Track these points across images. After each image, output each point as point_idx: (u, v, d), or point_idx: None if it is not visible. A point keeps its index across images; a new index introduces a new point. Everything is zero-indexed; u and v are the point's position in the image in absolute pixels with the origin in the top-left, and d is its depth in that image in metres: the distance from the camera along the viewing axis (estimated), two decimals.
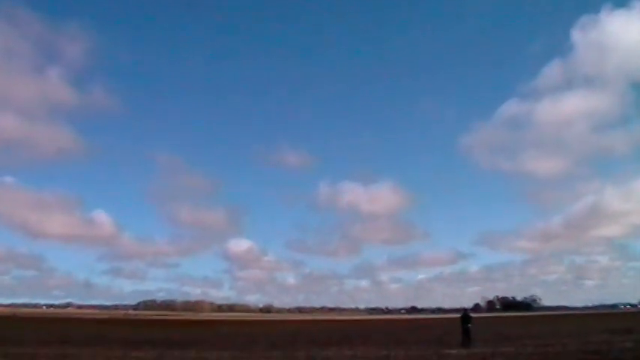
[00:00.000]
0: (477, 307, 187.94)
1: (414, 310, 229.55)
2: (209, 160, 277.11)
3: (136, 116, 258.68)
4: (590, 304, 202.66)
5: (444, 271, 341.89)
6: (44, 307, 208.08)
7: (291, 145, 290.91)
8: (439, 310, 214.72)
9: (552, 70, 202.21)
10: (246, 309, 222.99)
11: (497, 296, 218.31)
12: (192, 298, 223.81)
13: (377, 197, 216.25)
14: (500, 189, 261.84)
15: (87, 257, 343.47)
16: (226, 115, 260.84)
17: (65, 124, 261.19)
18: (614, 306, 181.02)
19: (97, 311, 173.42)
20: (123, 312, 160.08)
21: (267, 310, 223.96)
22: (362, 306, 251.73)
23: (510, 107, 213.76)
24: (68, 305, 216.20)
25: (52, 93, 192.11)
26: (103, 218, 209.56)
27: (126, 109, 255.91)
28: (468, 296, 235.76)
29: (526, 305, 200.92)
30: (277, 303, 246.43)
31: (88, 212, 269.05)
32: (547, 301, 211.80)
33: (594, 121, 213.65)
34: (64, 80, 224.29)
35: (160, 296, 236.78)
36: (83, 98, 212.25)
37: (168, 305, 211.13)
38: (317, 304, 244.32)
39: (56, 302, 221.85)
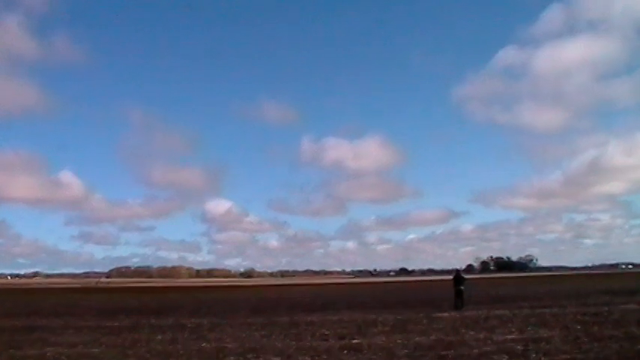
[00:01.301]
0: (470, 268, 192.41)
1: (403, 272, 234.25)
2: (185, 116, 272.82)
3: (105, 68, 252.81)
4: (589, 265, 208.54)
5: (435, 230, 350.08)
6: (9, 277, 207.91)
7: (272, 98, 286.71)
8: (430, 271, 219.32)
9: (552, 15, 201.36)
10: (226, 274, 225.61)
11: (491, 256, 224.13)
12: (169, 264, 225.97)
13: (364, 153, 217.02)
14: (495, 144, 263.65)
15: (54, 222, 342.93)
16: (204, 67, 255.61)
17: (26, 77, 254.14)
18: (615, 266, 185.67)
19: (66, 280, 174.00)
20: (95, 280, 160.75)
21: (249, 274, 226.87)
22: (348, 269, 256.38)
23: (506, 55, 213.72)
24: (35, 275, 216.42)
25: (10, 44, 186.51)
26: (70, 179, 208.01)
27: (94, 60, 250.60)
28: (460, 257, 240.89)
29: (522, 266, 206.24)
30: (259, 267, 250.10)
31: (54, 173, 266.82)
32: (544, 261, 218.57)
33: (597, 70, 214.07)
34: (23, 29, 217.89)
35: (134, 262, 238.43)
36: (46, 49, 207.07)
37: (143, 272, 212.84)
38: (301, 268, 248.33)
39: (22, 272, 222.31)
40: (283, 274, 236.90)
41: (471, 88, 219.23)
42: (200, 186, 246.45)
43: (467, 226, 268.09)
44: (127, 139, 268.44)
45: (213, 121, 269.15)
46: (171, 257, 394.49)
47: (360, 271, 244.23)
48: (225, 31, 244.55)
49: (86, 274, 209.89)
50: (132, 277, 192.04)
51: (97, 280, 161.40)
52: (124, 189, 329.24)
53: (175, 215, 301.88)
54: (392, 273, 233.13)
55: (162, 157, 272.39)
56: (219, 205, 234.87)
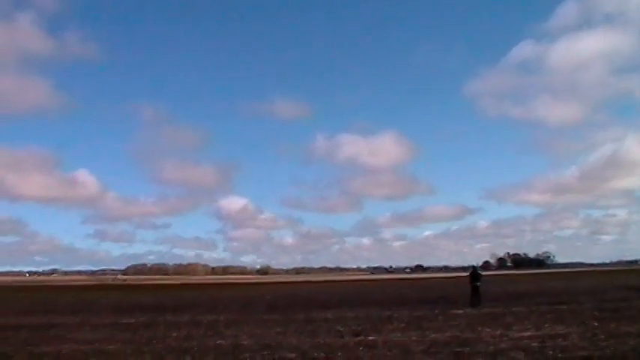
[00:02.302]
0: (486, 265, 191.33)
1: (419, 268, 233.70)
2: (197, 113, 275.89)
3: (118, 65, 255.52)
4: (607, 261, 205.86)
5: (450, 227, 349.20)
6: (27, 274, 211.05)
7: (284, 95, 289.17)
8: (446, 268, 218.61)
9: (568, 9, 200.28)
10: (241, 271, 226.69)
11: (507, 253, 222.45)
12: (185, 261, 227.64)
13: (378, 149, 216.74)
14: (509, 139, 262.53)
15: (70, 220, 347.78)
16: (216, 64, 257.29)
17: (40, 75, 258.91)
18: (633, 262, 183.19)
19: (83, 277, 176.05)
20: (111, 277, 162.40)
21: (264, 271, 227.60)
22: (364, 265, 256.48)
23: (521, 50, 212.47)
24: (53, 272, 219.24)
25: (23, 42, 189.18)
26: (85, 177, 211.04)
27: (106, 57, 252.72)
28: (476, 253, 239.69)
29: (538, 262, 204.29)
30: (274, 264, 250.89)
31: (68, 171, 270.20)
32: (561, 257, 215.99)
33: (613, 63, 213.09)
34: (36, 27, 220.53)
35: (150, 260, 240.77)
36: (58, 46, 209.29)
37: (159, 269, 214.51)
38: (316, 265, 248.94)
39: (40, 269, 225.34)
40: (298, 271, 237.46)
41: (484, 84, 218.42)
42: (213, 183, 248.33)
43: (482, 223, 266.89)
44: (139, 136, 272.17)
45: (225, 118, 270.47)
46: (186, 255, 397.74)
47: (376, 268, 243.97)
48: (237, 27, 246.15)
49: (102, 272, 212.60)
50: (148, 275, 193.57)
51: (114, 277, 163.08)
52: (138, 187, 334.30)
53: (190, 213, 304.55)
54: (408, 270, 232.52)
55: (175, 154, 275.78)
56: (233, 203, 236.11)
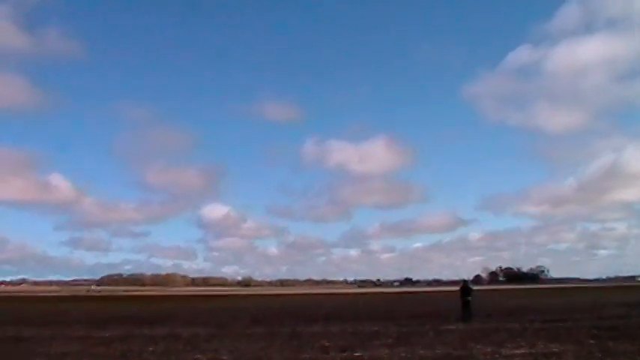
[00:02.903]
0: (478, 279, 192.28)
1: (408, 282, 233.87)
2: (182, 115, 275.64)
3: (99, 64, 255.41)
4: (604, 277, 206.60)
5: (442, 238, 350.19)
6: None
7: (274, 97, 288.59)
8: (436, 282, 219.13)
9: (569, 12, 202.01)
10: (223, 282, 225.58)
11: (500, 267, 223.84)
12: (163, 271, 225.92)
13: (369, 155, 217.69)
14: (507, 145, 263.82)
15: (43, 226, 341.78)
16: (202, 64, 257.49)
17: (16, 72, 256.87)
18: (631, 278, 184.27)
19: (55, 288, 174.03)
20: (85, 288, 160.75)
21: (247, 283, 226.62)
22: (351, 278, 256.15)
23: (521, 53, 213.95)
24: (22, 282, 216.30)
25: None
26: (60, 181, 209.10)
27: (88, 55, 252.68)
28: (468, 267, 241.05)
29: (533, 277, 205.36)
30: (258, 275, 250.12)
31: (43, 174, 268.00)
32: (556, 272, 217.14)
33: (615, 69, 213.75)
34: (12, 22, 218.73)
35: (127, 270, 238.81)
36: (36, 43, 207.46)
37: (135, 279, 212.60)
38: (301, 277, 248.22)
39: (8, 278, 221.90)
40: (283, 282, 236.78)
41: (483, 86, 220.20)
42: (197, 189, 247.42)
43: (475, 235, 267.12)
44: (122, 138, 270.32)
45: (211, 120, 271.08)
46: (165, 264, 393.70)
47: (363, 281, 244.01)
48: (225, 26, 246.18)
49: (76, 282, 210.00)
50: (124, 285, 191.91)
51: (88, 287, 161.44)
52: (118, 192, 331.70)
53: (170, 220, 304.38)
54: (396, 283, 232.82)
55: (157, 158, 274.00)
56: (216, 210, 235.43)
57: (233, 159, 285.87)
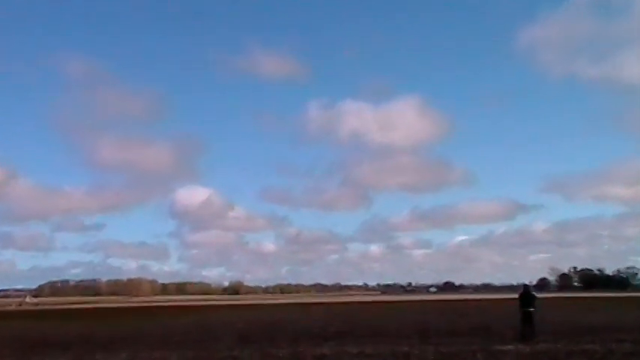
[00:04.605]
0: (543, 284, 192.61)
1: (448, 287, 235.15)
2: (146, 71, 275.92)
3: (32, 6, 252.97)
4: None
5: (494, 230, 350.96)
6: None
7: (268, 47, 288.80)
8: (486, 287, 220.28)
9: None
10: (203, 289, 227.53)
11: (574, 268, 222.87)
12: (124, 276, 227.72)
13: (395, 122, 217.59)
14: (580, 109, 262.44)
15: None
16: (171, 3, 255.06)
17: None
18: None
19: None
20: (17, 300, 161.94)
21: (235, 289, 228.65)
22: (372, 282, 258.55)
23: None
24: None
25: None
26: None
27: None
28: (530, 267, 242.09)
29: (620, 282, 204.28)
30: (249, 279, 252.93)
31: None
32: None
33: None
34: None
35: (75, 275, 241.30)
36: None
37: (87, 287, 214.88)
38: (307, 281, 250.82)
39: None
40: (283, 288, 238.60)
41: (545, 30, 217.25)
42: (167, 168, 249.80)
43: (539, 225, 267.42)
44: (64, 103, 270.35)
45: (185, 79, 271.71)
46: (127, 267, 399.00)
47: (389, 286, 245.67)
48: None
49: (4, 292, 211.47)
50: (71, 296, 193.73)
51: (21, 299, 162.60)
52: (61, 173, 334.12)
53: (133, 209, 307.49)
54: (433, 288, 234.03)
55: (114, 128, 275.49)
56: (194, 195, 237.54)
57: (214, 129, 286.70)
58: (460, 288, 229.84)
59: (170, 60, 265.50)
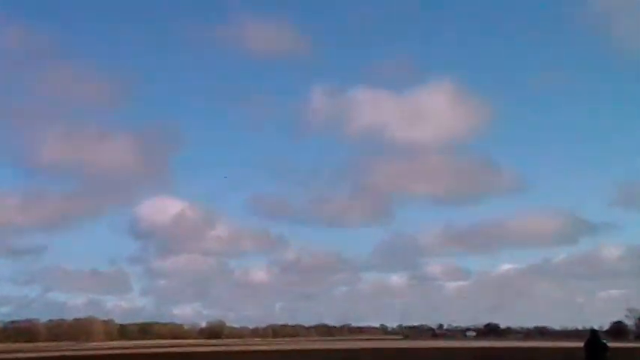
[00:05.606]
0: (618, 329, 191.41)
1: (491, 331, 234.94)
2: (102, 43, 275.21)
3: None
4: None
5: (551, 256, 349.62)
6: None
7: (258, 14, 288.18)
8: (541, 332, 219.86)
9: None
10: (174, 331, 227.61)
11: None
12: (70, 315, 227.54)
13: (422, 113, 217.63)
14: None
15: None
16: None
17: None
18: None
19: None
20: None
21: (215, 332, 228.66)
22: (393, 323, 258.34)
23: None
24: None
25: None
26: None
27: None
28: (600, 307, 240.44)
29: None
30: (234, 319, 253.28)
31: None
32: None
33: None
34: None
35: (4, 314, 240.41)
36: None
37: (20, 330, 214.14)
38: (308, 321, 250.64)
39: None
40: (276, 331, 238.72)
41: None
42: (129, 172, 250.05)
43: (611, 250, 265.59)
44: None
45: (152, 52, 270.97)
46: (73, 302, 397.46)
47: (414, 328, 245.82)
48: None
49: None
50: None
51: None
52: None
53: (83, 225, 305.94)
54: (471, 332, 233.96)
55: (54, 118, 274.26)
56: (162, 208, 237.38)
57: (191, 119, 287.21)
58: (506, 332, 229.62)
59: (134, 29, 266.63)
